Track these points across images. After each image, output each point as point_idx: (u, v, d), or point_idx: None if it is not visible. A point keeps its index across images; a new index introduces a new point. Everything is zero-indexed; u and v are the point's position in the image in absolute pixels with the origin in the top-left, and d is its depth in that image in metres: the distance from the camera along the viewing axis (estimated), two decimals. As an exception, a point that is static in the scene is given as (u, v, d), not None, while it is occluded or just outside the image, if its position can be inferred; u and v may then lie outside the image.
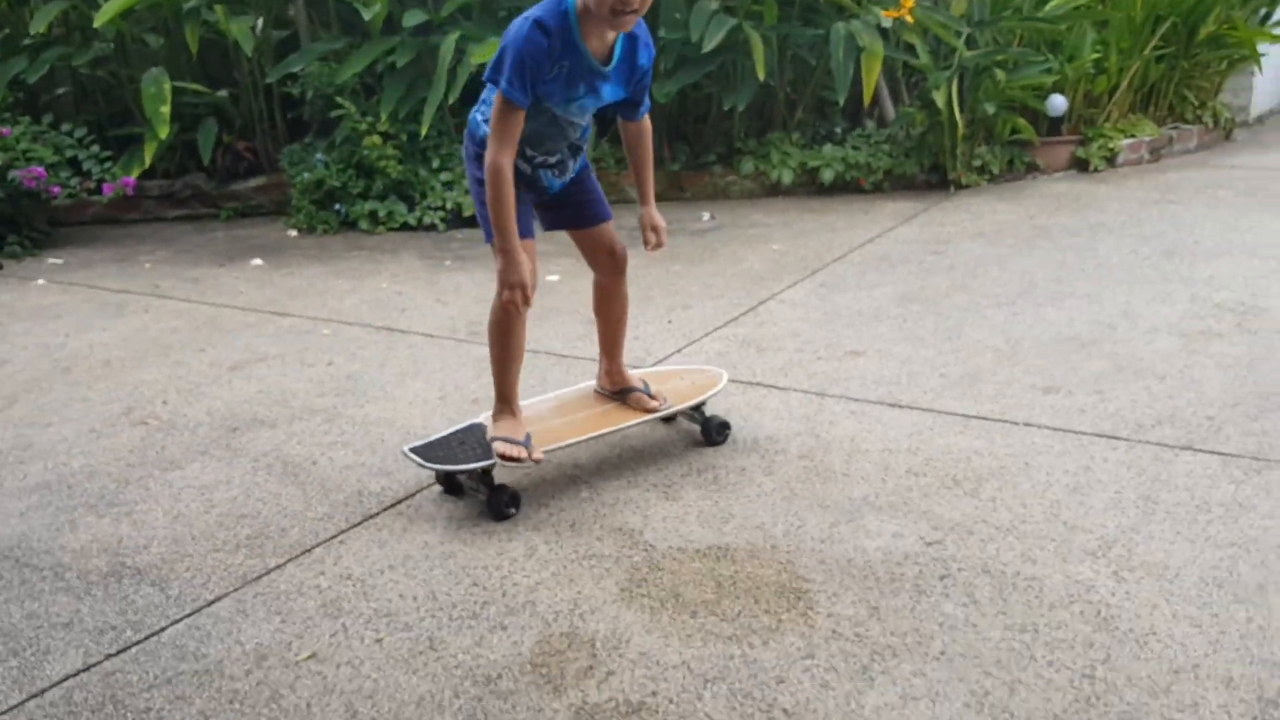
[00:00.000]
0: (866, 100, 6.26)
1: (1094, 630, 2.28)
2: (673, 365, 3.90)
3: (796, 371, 3.83)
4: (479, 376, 3.90)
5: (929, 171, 6.60)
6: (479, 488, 2.94)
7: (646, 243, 3.20)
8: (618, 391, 3.25)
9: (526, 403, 3.14)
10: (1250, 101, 8.22)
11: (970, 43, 6.30)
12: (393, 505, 3.00)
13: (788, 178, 6.54)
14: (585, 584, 2.55)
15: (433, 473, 3.01)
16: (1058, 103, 6.77)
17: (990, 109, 6.33)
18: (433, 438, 3.04)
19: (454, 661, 2.29)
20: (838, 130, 6.93)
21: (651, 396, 3.21)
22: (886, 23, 6.11)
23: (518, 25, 2.66)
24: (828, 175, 6.51)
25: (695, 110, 6.93)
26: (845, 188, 6.63)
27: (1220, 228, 5.46)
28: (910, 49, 6.36)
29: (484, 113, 2.84)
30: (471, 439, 2.99)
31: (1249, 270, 4.72)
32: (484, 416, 3.10)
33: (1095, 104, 7.13)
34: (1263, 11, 7.82)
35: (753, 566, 2.59)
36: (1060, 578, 2.48)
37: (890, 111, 6.88)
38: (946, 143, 6.39)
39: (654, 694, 2.15)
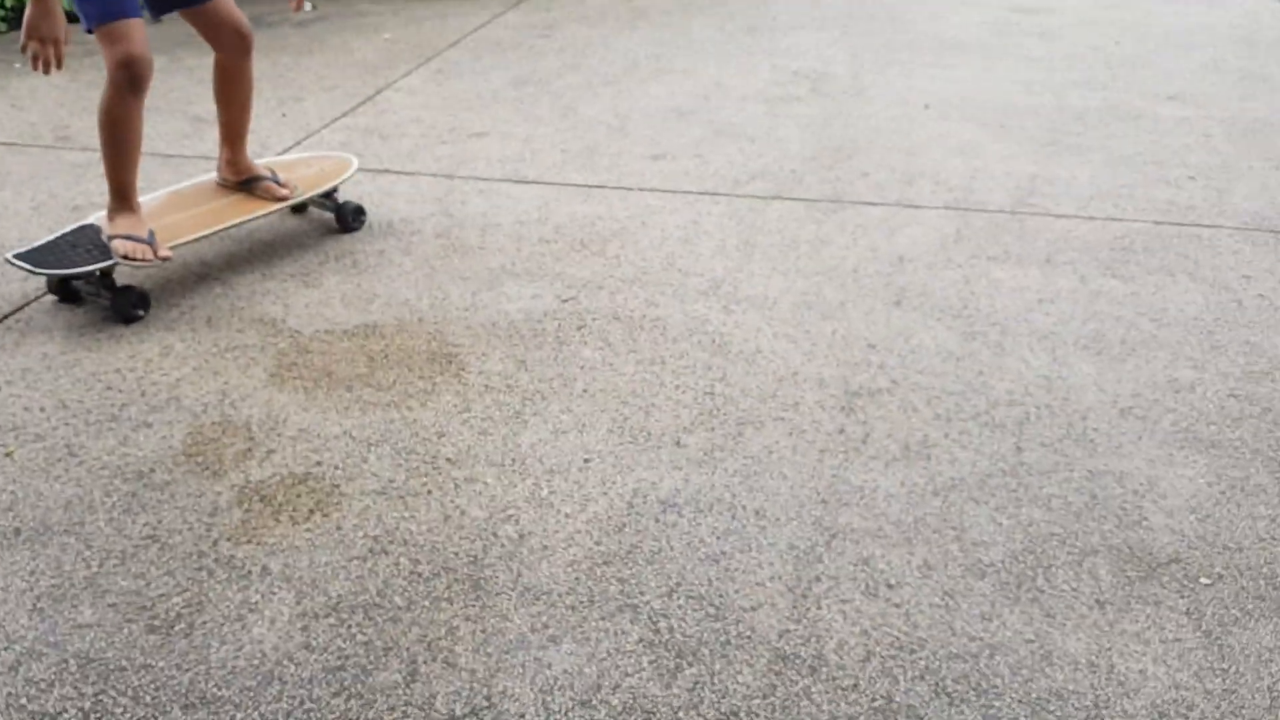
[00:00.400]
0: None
1: (711, 355, 2.59)
2: (297, 155, 3.76)
3: (423, 156, 3.83)
4: (76, 183, 3.57)
5: (530, -44, 6.58)
6: (99, 291, 2.76)
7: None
8: (243, 182, 3.11)
9: (144, 199, 2.94)
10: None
11: None
12: (-2, 323, 2.76)
13: (388, -36, 6.27)
14: (232, 374, 2.52)
15: (44, 280, 2.78)
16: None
17: (584, -109, 6.35)
18: (39, 242, 2.79)
19: (99, 464, 2.21)
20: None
21: (280, 184, 3.11)
22: None
23: None
24: (429, -39, 6.31)
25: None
26: (448, -26, 6.48)
27: (794, 3, 5.94)
28: None
29: None
30: (84, 240, 2.78)
31: (819, 41, 5.21)
32: (96, 217, 2.88)
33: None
34: None
35: (402, 339, 2.67)
36: (680, 316, 2.77)
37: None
38: (545, -74, 6.37)
39: (319, 464, 2.21)
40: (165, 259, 2.77)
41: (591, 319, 2.76)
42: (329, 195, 3.24)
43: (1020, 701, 1.61)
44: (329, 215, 3.28)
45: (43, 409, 2.39)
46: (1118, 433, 2.27)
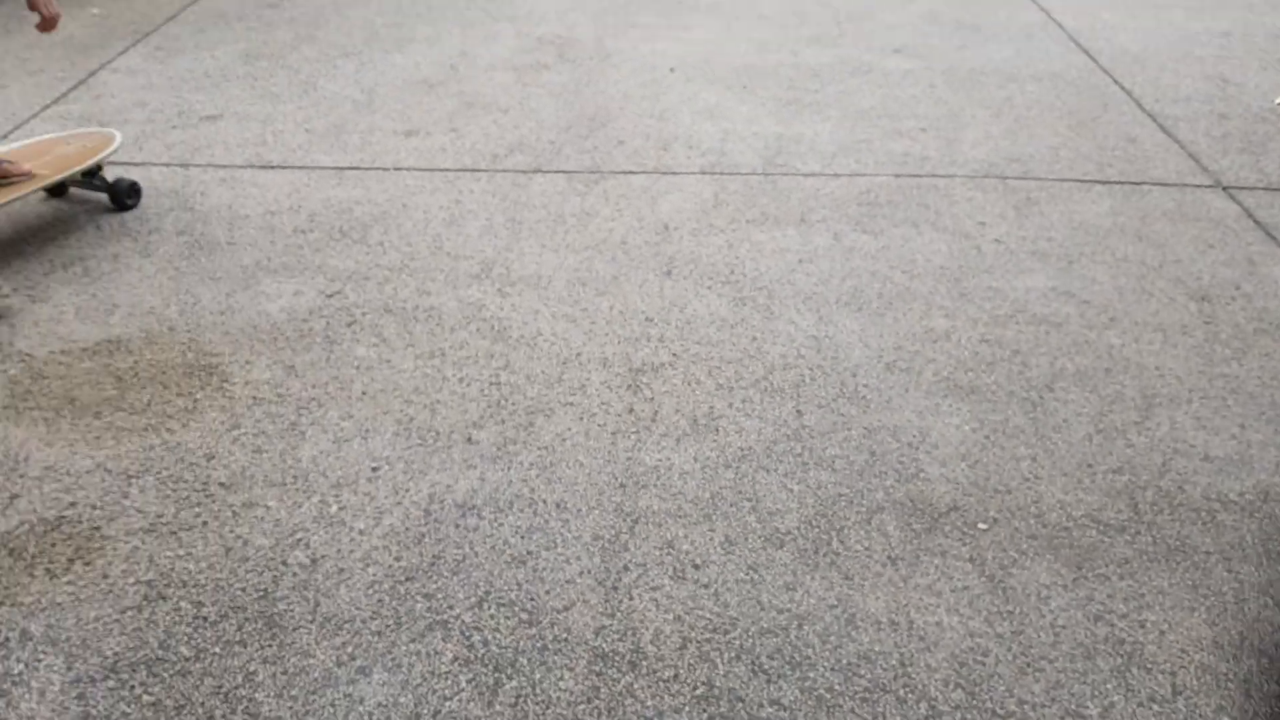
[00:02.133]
0: None
1: (492, 343, 2.53)
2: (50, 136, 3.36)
3: (152, 144, 3.54)
4: None
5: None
6: None
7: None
8: None
9: None
10: None
11: None
12: None
13: (84, -71, 5.71)
14: (-43, 412, 2.25)
15: None
16: None
17: None
18: None
19: None
20: None
21: (11, 163, 2.79)
22: None
23: None
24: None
25: None
26: (155, -61, 5.97)
27: (533, -34, 5.85)
28: None
29: None
30: None
31: (559, 6, 5.17)
32: None
33: None
34: None
35: (153, 353, 2.46)
36: (454, 303, 2.69)
37: None
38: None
39: (72, 505, 2.01)
40: None
41: (361, 313, 2.64)
42: (94, 173, 2.99)
43: (832, 669, 1.68)
44: (98, 195, 3.04)
45: None
46: (886, 387, 2.39)
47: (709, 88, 4.15)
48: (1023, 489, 2.08)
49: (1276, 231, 3.10)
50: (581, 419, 2.26)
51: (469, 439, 2.20)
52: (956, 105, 3.98)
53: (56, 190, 3.04)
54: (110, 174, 3.17)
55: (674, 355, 2.49)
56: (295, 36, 4.62)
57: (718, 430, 2.24)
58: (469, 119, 3.82)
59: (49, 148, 3.04)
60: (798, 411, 2.30)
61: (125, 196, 3.06)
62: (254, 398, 2.32)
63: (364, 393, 2.34)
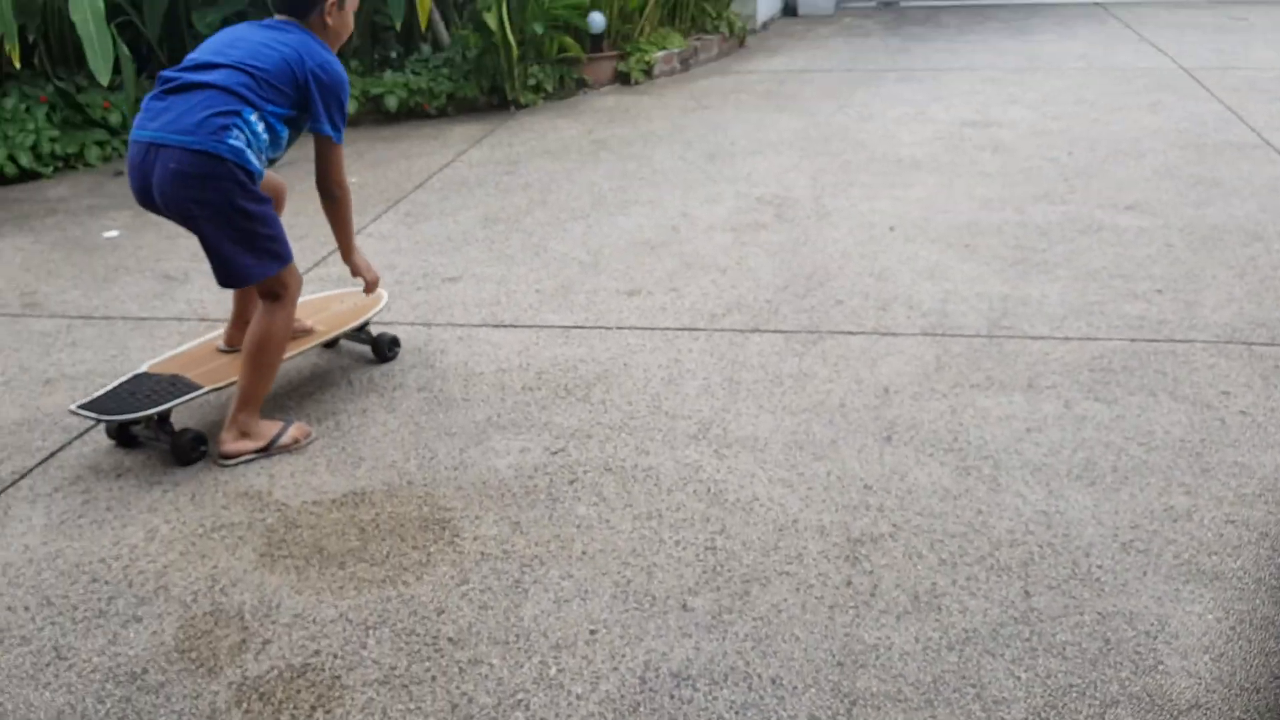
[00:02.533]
0: (423, 24, 6.21)
1: (708, 506, 2.56)
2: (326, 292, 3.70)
3: (399, 304, 3.83)
4: (46, 354, 3.52)
5: (489, 93, 6.72)
6: (158, 435, 2.90)
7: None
8: None
9: (167, 356, 3.15)
10: (755, 10, 9.11)
11: (514, -38, 6.43)
12: (-26, 512, 2.68)
13: (351, 107, 6.36)
14: (220, 557, 2.46)
15: (104, 427, 2.98)
16: (597, 19, 7.11)
17: (538, 29, 6.53)
18: (99, 393, 2.92)
19: (89, 666, 2.13)
20: (394, 55, 6.83)
21: (298, 322, 3.13)
22: (431, -56, 6.08)
23: (338, 67, 2.79)
24: (392, 102, 6.42)
25: (240, 40, 6.52)
26: (411, 114, 6.59)
27: (749, 128, 6.08)
28: (457, -30, 6.38)
29: (248, 139, 2.68)
30: (141, 389, 2.91)
31: (778, 165, 5.32)
32: (146, 365, 3.07)
33: (629, 20, 7.58)
34: (760, -74, 8.66)
35: (393, 505, 2.62)
36: (672, 464, 2.75)
37: (444, 35, 6.89)
38: (503, 64, 6.53)
39: (316, 653, 2.14)
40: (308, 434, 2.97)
41: (583, 471, 2.74)
42: (363, 329, 3.36)
43: None
44: (364, 348, 3.44)
45: (27, 608, 2.31)
46: (1122, 569, 2.26)
47: (930, 246, 4.14)
48: (1271, 688, 1.90)
49: None
50: (798, 590, 2.24)
51: (684, 605, 2.21)
52: (1195, 265, 3.81)
53: (330, 343, 3.37)
54: (374, 329, 3.45)
55: (894, 526, 2.45)
56: (529, 201, 4.94)
57: (940, 609, 2.16)
58: (688, 279, 3.96)
59: (325, 304, 3.43)
60: (1025, 592, 2.20)
61: (387, 349, 3.40)
62: (482, 553, 2.42)
63: (584, 552, 2.40)
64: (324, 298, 3.50)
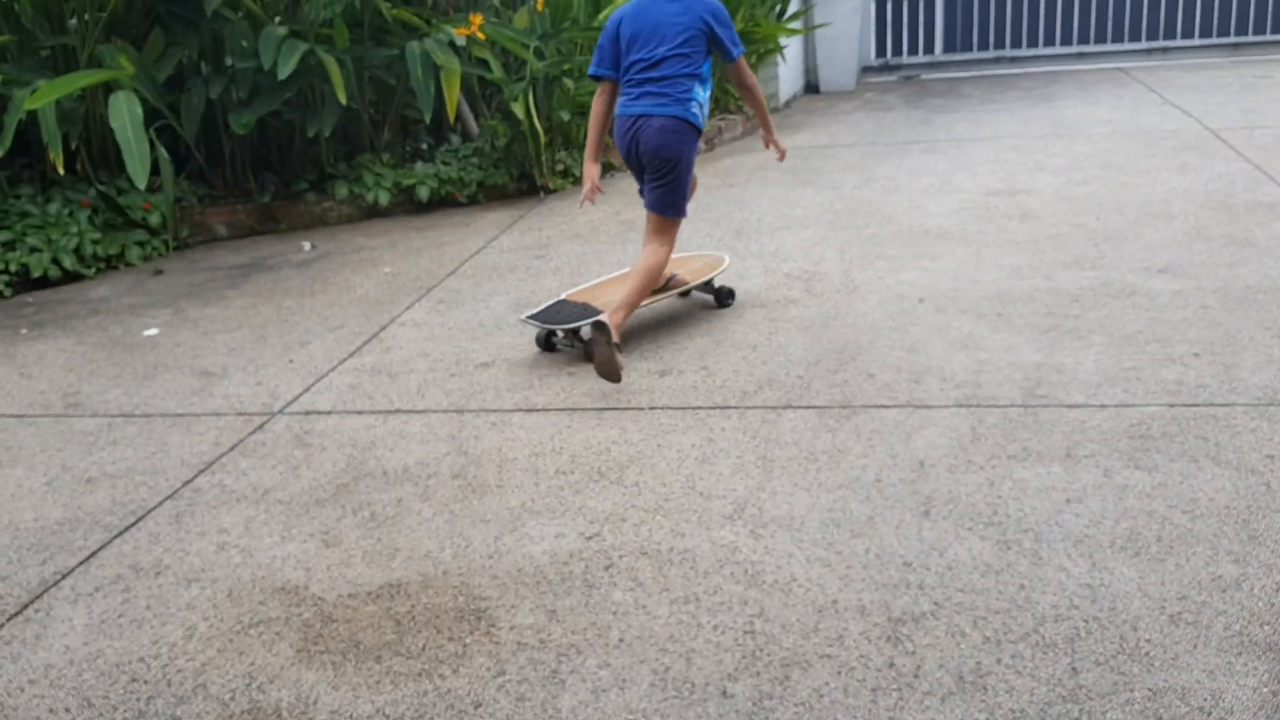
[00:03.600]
0: (451, 116, 6.36)
1: (745, 588, 2.53)
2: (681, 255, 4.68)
3: (433, 391, 3.87)
4: (89, 453, 3.58)
5: (519, 180, 6.84)
6: (572, 342, 4.12)
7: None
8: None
9: (579, 289, 4.40)
10: (778, 89, 9.24)
11: (538, 54, 6.59)
12: (16, 614, 2.70)
13: (385, 198, 6.51)
14: (257, 653, 2.45)
15: (534, 335, 4.26)
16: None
17: (565, 115, 6.66)
18: (538, 309, 4.20)
19: (128, 768, 2.12)
20: (425, 147, 6.98)
21: (674, 276, 4.37)
22: (459, 40, 6.25)
23: (718, 2, 3.93)
24: (424, 192, 6.55)
25: (279, 138, 6.71)
26: (443, 203, 6.72)
27: (775, 204, 6.13)
28: (484, 64, 6.55)
29: (699, 106, 3.96)
30: (563, 310, 4.15)
31: (804, 240, 5.35)
32: (564, 294, 4.31)
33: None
34: (778, 8, 8.82)
35: (428, 597, 2.61)
36: (708, 545, 2.73)
37: (473, 126, 7.04)
38: (531, 151, 6.66)
39: (353, 746, 2.12)
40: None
41: (619, 556, 2.72)
42: (708, 284, 4.49)
43: None
44: (708, 297, 4.57)
45: (68, 709, 2.31)
46: (1171, 642, 2.20)
47: (961, 317, 4.13)
48: (1349, 773, 1.84)
49: None
50: (839, 673, 2.20)
51: (724, 692, 2.18)
52: (1232, 327, 3.77)
53: (684, 292, 4.51)
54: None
55: (935, 604, 2.40)
56: (560, 284, 4.99)
57: (985, 689, 2.11)
58: (720, 356, 3.97)
59: (683, 263, 4.59)
60: (1073, 669, 2.15)
61: (726, 298, 4.54)
62: (518, 643, 2.40)
63: (621, 640, 2.38)
64: (682, 258, 4.61)
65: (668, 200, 3.99)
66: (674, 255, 4.31)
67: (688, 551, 2.71)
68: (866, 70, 10.90)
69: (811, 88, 10.44)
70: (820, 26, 9.71)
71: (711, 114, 8.21)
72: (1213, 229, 4.89)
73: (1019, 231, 5.14)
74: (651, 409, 3.58)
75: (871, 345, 3.94)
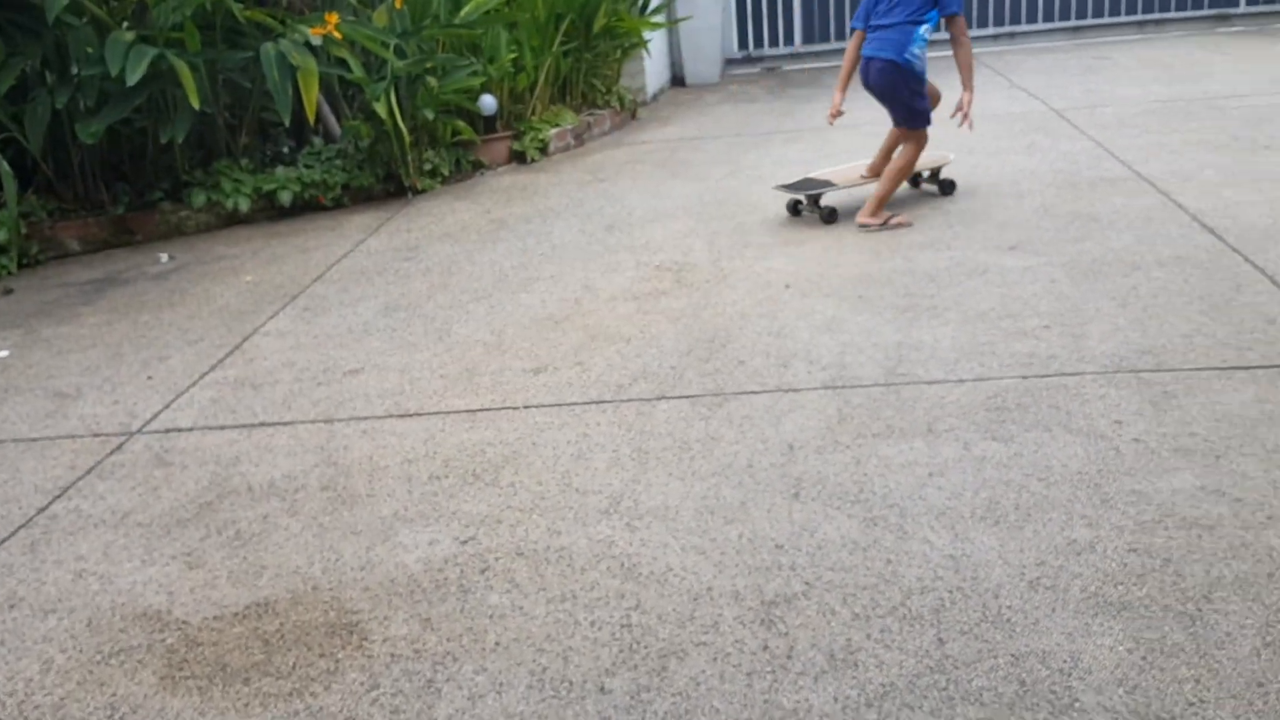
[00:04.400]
0: (310, 118, 6.21)
1: (622, 582, 2.54)
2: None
3: (300, 402, 3.77)
4: None
5: (385, 181, 6.72)
6: (813, 209, 5.37)
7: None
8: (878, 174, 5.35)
9: (825, 171, 5.70)
10: (645, 83, 9.28)
11: (399, 53, 6.48)
12: None
13: (245, 205, 6.31)
14: (119, 683, 2.36)
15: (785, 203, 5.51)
16: (488, 102, 7.19)
17: (430, 114, 6.57)
18: (789, 182, 5.54)
19: (-21, 815, 2.02)
20: (286, 150, 6.80)
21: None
22: (315, 40, 6.10)
23: None
24: (286, 197, 6.38)
25: (131, 147, 6.44)
26: (306, 207, 6.55)
27: (645, 197, 6.16)
28: (343, 63, 6.40)
29: (912, 52, 4.92)
30: (808, 183, 5.45)
31: (675, 232, 5.39)
32: (810, 174, 5.60)
33: (520, 100, 7.67)
34: (640, 3, 8.86)
35: (298, 614, 2.55)
36: (585, 542, 2.72)
37: (335, 127, 6.89)
38: (396, 151, 6.54)
39: (224, 773, 2.05)
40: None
41: (494, 559, 2.70)
42: (934, 175, 5.54)
43: None
44: (933, 188, 5.57)
45: (-92, 760, 2.18)
46: (1031, 608, 2.29)
47: (825, 300, 4.22)
48: (1187, 715, 1.93)
49: None
50: (715, 660, 2.22)
51: (602, 688, 2.18)
52: (1079, 299, 3.94)
53: (914, 180, 5.63)
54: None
55: (807, 584, 2.45)
56: (430, 286, 4.92)
57: (856, 665, 2.16)
58: (593, 351, 3.97)
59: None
60: (939, 640, 2.21)
61: (948, 187, 5.51)
62: (392, 654, 2.36)
63: (497, 643, 2.36)
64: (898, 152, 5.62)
65: (901, 116, 5.10)
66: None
67: (564, 549, 2.70)
68: (731, 62, 11.03)
69: (678, 81, 10.51)
70: (683, 20, 9.78)
71: (578, 110, 8.21)
72: (1059, 206, 5.10)
73: (880, 215, 5.27)
74: (526, 408, 3.56)
75: (741, 332, 3.99)
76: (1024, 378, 3.37)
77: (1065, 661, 2.11)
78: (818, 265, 4.65)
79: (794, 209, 5.42)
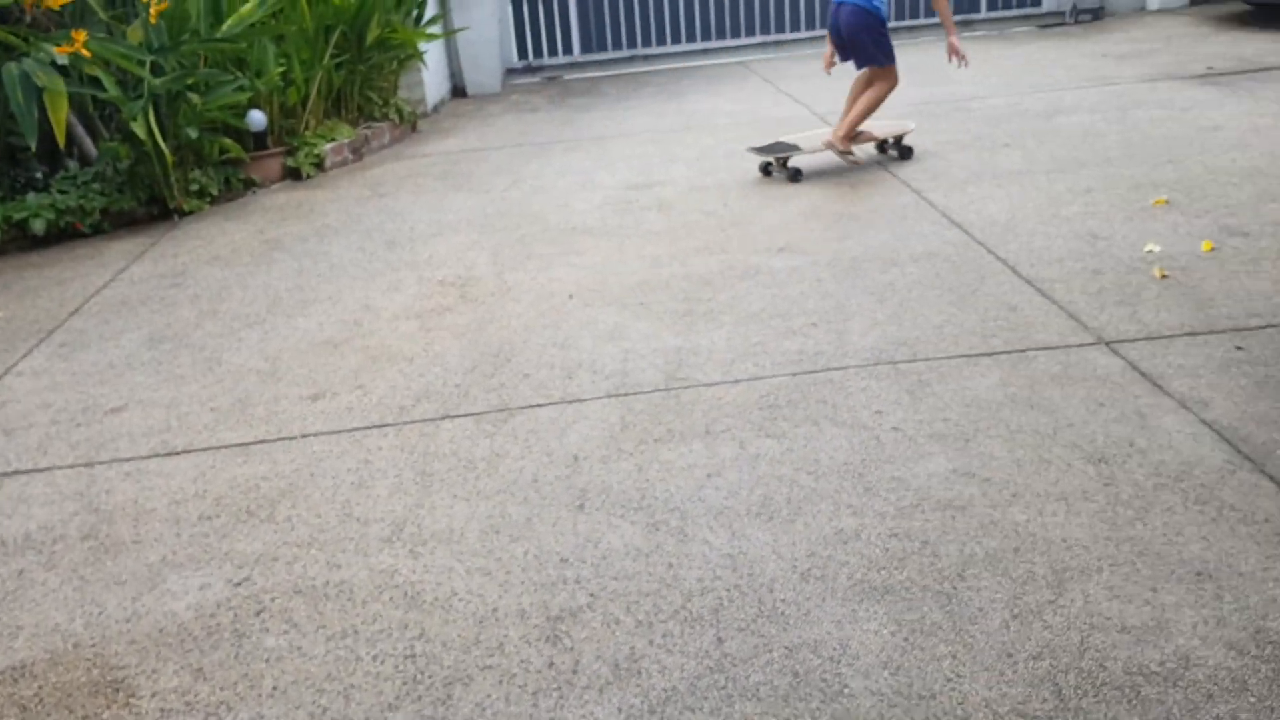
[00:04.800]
0: (61, 140, 5.81)
1: (405, 612, 2.50)
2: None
3: (57, 445, 3.52)
4: None
5: (148, 204, 6.36)
6: (780, 170, 5.96)
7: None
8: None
9: (794, 136, 6.37)
10: (424, 95, 9.16)
11: (157, 70, 6.15)
12: None
13: (-14, 237, 5.85)
14: None
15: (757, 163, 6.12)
16: (257, 118, 6.92)
17: (193, 133, 6.27)
18: (760, 144, 6.21)
19: None
20: (39, 175, 6.34)
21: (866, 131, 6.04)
22: (62, 59, 5.72)
23: None
24: (39, 225, 5.94)
25: None
26: (63, 235, 6.12)
27: (427, 211, 6.08)
28: (95, 82, 6.03)
29: (876, 3, 5.58)
30: (777, 147, 6.05)
31: (457, 245, 5.35)
32: (779, 138, 6.34)
33: (292, 115, 7.42)
34: (415, 13, 8.73)
35: (58, 674, 2.38)
36: (366, 573, 2.66)
37: (91, 149, 6.48)
38: (159, 172, 6.21)
39: None
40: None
41: (270, 599, 2.60)
42: (898, 141, 6.12)
43: None
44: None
45: None
46: (803, 599, 2.39)
47: (607, 309, 4.27)
48: (946, 691, 2.06)
49: (1162, 381, 3.21)
50: (501, 682, 2.22)
51: (386, 722, 2.13)
52: (842, 296, 4.14)
53: (881, 146, 6.20)
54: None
55: (591, 596, 2.47)
56: (198, 313, 4.70)
57: (640, 673, 2.20)
58: (375, 373, 3.88)
59: (879, 129, 6.19)
60: (719, 639, 2.28)
61: (907, 154, 6.07)
62: (162, 709, 2.24)
63: (275, 687, 2.27)
64: (877, 124, 6.24)
65: (866, 58, 5.68)
66: (877, 121, 6.29)
67: (344, 583, 2.63)
68: (511, 72, 11.02)
69: (459, 91, 10.42)
70: (459, 31, 9.71)
71: (355, 123, 8.02)
72: (824, 207, 5.34)
73: (657, 222, 5.38)
74: (304, 437, 3.45)
75: (526, 345, 3.99)
76: (794, 375, 3.51)
77: (835, 649, 2.22)
78: (600, 274, 4.70)
79: (765, 170, 6.04)
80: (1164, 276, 3.99)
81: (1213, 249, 4.21)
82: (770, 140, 6.35)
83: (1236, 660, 2.07)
